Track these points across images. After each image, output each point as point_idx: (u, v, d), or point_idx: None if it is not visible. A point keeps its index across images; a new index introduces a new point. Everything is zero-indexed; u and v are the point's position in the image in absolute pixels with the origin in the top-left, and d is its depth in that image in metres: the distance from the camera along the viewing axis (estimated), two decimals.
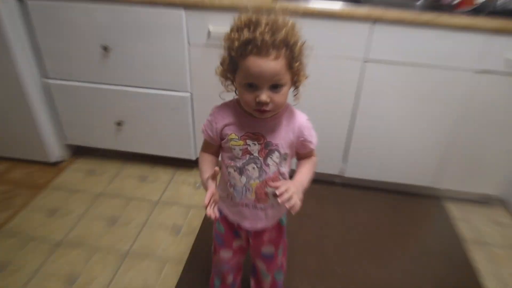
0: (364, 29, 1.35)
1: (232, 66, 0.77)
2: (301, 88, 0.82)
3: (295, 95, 0.84)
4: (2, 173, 1.76)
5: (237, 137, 0.83)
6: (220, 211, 0.95)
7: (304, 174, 0.88)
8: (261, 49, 0.71)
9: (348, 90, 1.49)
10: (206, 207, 0.77)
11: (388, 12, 1.30)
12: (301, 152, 0.90)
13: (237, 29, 0.73)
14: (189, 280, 1.26)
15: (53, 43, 1.54)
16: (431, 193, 1.74)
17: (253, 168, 0.85)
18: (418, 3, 1.59)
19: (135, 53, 1.51)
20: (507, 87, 1.39)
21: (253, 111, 0.79)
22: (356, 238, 1.48)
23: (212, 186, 0.80)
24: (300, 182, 0.85)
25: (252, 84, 0.74)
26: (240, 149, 0.84)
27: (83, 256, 1.34)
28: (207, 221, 1.51)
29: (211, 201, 0.78)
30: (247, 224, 0.94)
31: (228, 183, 0.89)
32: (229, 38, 0.74)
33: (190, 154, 1.75)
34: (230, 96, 0.87)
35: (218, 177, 0.84)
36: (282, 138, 0.84)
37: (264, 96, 0.74)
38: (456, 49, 1.34)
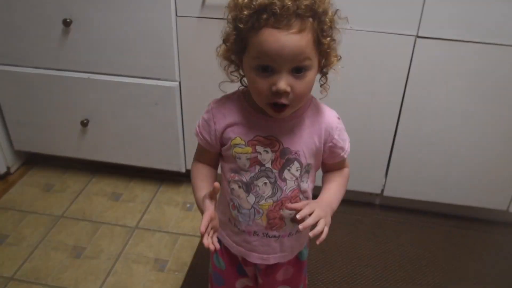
0: None
1: (240, 44, 0.76)
2: (330, 75, 0.81)
3: (322, 85, 0.84)
4: None
5: (243, 142, 0.83)
6: (220, 241, 0.94)
7: (333, 191, 0.88)
8: (281, 19, 0.69)
9: (397, 76, 1.46)
10: (202, 236, 0.77)
11: None
12: (329, 163, 0.90)
13: None
14: None
15: None
16: (506, 219, 1.72)
17: (265, 183, 0.84)
18: None
19: (105, 28, 1.51)
20: None
21: (266, 107, 0.78)
22: (399, 278, 1.47)
23: (210, 207, 0.80)
24: (327, 203, 0.84)
25: (267, 67, 0.73)
26: (248, 158, 0.83)
27: None
28: (201, 253, 1.50)
29: (209, 227, 0.78)
30: (255, 258, 0.93)
31: (231, 204, 0.89)
32: (235, 5, 0.74)
33: (179, 164, 1.75)
34: (234, 87, 0.86)
35: (218, 196, 0.83)
36: (304, 144, 0.83)
37: (282, 84, 0.72)
38: None
